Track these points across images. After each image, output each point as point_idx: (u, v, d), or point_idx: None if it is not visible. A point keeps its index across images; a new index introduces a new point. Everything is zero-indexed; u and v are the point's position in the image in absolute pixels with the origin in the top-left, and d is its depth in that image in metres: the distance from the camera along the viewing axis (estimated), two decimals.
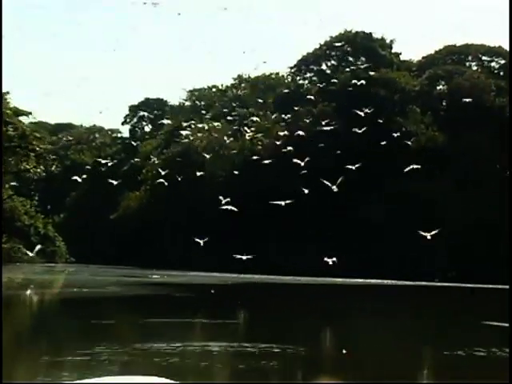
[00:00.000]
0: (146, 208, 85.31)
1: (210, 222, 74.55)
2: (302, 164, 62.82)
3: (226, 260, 71.71)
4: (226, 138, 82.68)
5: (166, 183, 64.71)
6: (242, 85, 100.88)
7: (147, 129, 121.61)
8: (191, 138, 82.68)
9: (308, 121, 75.78)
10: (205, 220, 76.11)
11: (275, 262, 65.72)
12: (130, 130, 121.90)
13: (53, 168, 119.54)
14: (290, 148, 65.71)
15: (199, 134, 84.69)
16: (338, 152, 69.51)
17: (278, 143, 73.31)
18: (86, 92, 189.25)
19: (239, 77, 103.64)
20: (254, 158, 73.10)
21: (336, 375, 15.42)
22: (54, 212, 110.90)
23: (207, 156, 72.51)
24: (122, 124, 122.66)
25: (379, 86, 78.72)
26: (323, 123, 68.42)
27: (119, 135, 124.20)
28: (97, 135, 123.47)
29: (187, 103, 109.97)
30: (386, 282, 56.27)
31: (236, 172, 72.98)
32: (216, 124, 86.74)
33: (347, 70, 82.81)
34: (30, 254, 75.07)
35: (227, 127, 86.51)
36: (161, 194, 79.72)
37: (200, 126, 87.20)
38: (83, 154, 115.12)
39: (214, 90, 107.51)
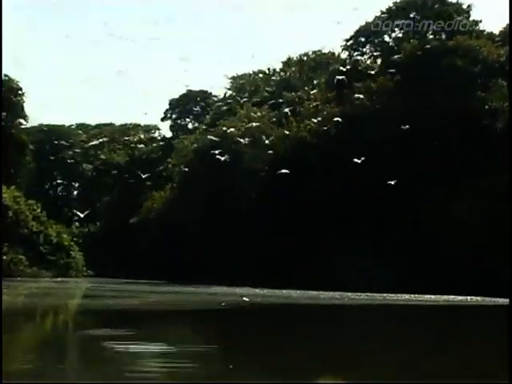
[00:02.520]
0: (170, 209, 71.95)
1: (246, 226, 61.43)
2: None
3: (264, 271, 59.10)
4: (269, 124, 69.42)
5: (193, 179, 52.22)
6: (293, 68, 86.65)
7: (190, 125, 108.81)
8: (227, 127, 68.92)
9: (365, 99, 61.61)
10: (241, 223, 62.81)
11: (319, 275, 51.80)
12: (171, 126, 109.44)
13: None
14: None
15: (237, 122, 71.20)
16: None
17: (328, 128, 59.79)
18: (123, 87, 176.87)
19: (289, 59, 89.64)
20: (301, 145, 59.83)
21: None
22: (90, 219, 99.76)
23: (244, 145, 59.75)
24: (162, 120, 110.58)
25: (455, 55, 64.00)
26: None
27: (157, 132, 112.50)
28: (132, 132, 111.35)
29: (230, 92, 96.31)
30: (469, 298, 40.97)
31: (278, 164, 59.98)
32: (258, 110, 73.14)
33: (413, 40, 68.10)
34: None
35: (272, 114, 72.90)
36: (188, 192, 66.50)
37: (241, 112, 73.95)
38: (116, 154, 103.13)
39: (260, 75, 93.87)
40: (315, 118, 63.41)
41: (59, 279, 61.28)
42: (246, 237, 62.45)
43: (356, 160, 52.09)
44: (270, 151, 64.87)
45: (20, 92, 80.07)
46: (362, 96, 61.47)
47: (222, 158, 62.45)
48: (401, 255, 51.47)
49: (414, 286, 43.48)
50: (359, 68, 69.96)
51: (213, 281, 56.09)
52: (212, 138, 66.19)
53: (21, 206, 67.41)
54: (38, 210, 71.04)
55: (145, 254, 75.86)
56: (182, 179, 72.85)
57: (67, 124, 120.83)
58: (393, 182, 51.06)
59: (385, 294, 40.99)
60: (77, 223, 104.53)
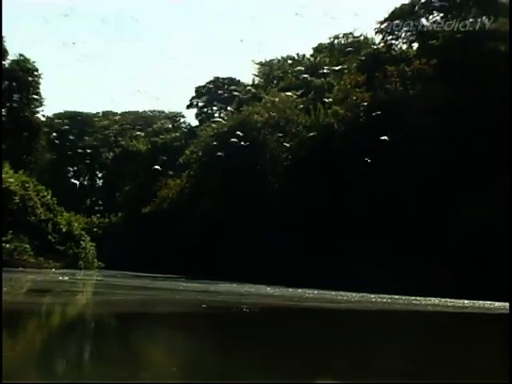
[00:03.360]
0: (185, 198, 67.30)
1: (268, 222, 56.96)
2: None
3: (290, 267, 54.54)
4: (295, 111, 64.87)
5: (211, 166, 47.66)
6: (322, 55, 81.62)
7: (217, 114, 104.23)
8: (250, 112, 64.34)
9: (399, 84, 56.62)
10: (261, 216, 58.25)
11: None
12: (197, 114, 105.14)
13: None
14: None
15: (260, 108, 66.60)
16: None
17: (357, 113, 55.06)
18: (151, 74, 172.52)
19: (320, 45, 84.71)
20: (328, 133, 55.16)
21: None
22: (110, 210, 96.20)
23: (268, 132, 55.08)
24: (188, 108, 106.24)
25: (497, 39, 58.78)
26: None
27: (182, 120, 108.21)
28: (156, 120, 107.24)
29: (258, 79, 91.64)
30: None
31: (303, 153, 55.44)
32: (284, 96, 68.46)
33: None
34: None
35: (298, 100, 68.22)
36: (205, 180, 61.93)
37: (266, 97, 69.37)
38: (138, 141, 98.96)
39: (289, 61, 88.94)
40: (344, 104, 58.66)
41: (64, 271, 57.08)
42: (264, 231, 57.93)
43: (384, 138, 47.47)
44: (295, 139, 60.34)
45: (36, 73, 76.22)
46: (395, 80, 56.60)
47: (243, 143, 58.02)
48: (425, 257, 46.52)
49: (440, 289, 38.65)
50: (393, 52, 65.05)
51: (229, 276, 51.53)
52: (232, 123, 61.59)
53: (29, 191, 63.19)
54: (48, 197, 66.69)
55: (157, 246, 71.54)
56: (199, 166, 68.56)
57: (93, 111, 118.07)
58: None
59: (406, 297, 36.16)
60: (98, 214, 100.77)
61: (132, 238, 78.82)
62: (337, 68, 68.94)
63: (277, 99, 67.48)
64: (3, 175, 60.17)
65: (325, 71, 72.25)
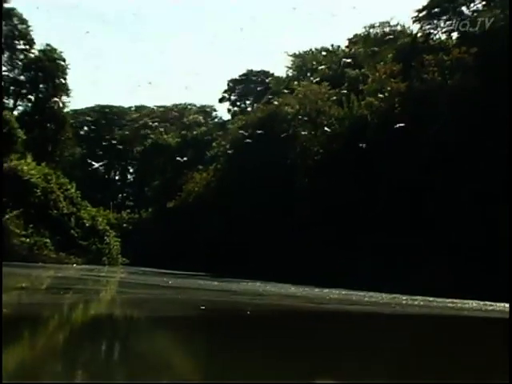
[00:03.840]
0: (211, 192, 64.64)
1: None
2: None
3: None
4: (328, 103, 62.05)
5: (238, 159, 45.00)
6: (357, 46, 78.50)
7: (250, 108, 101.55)
8: (280, 104, 61.59)
9: (437, 73, 53.43)
10: (290, 211, 55.59)
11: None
12: (229, 108, 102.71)
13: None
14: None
15: (291, 99, 63.83)
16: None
17: (392, 104, 52.13)
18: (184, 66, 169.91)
19: (355, 36, 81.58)
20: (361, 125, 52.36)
21: None
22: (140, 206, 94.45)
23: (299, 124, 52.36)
24: (220, 101, 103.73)
25: None
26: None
27: (214, 113, 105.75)
28: (186, 113, 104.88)
29: (291, 71, 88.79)
30: None
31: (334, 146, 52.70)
32: (316, 87, 65.61)
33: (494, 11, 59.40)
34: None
35: (331, 91, 65.30)
36: (232, 174, 59.32)
37: (298, 89, 66.55)
38: (168, 135, 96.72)
39: (323, 53, 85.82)
40: (378, 95, 55.68)
41: (85, 267, 54.95)
42: (293, 227, 55.22)
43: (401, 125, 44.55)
44: (327, 130, 57.50)
45: (62, 63, 74.28)
46: (432, 70, 53.47)
47: (272, 136, 55.30)
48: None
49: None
50: (431, 42, 61.88)
51: (256, 274, 48.83)
52: (261, 115, 58.86)
53: (51, 184, 61.18)
54: (72, 190, 64.77)
55: (182, 241, 69.13)
56: (226, 160, 65.99)
57: (126, 106, 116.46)
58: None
59: (442, 299, 33.23)
60: (128, 209, 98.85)
61: (159, 233, 76.53)
62: (372, 58, 65.83)
63: (309, 91, 64.60)
64: (25, 167, 58.37)
65: (359, 62, 69.29)
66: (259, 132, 57.46)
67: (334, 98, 63.79)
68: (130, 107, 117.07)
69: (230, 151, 64.35)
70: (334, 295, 32.25)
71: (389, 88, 55.20)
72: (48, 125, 73.15)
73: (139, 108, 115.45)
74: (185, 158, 71.26)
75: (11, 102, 72.79)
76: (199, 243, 65.75)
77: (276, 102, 64.04)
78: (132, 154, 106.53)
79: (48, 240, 56.98)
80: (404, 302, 31.27)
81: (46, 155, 67.67)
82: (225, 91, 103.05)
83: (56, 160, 72.17)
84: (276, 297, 28.46)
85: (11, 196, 54.40)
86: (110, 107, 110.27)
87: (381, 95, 55.42)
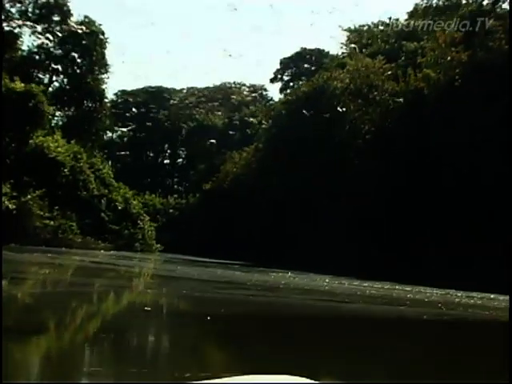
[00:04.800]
0: (250, 173, 59.40)
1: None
2: None
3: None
4: (382, 77, 56.38)
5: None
6: (415, 19, 71.89)
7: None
8: (328, 78, 56.04)
9: (503, 42, 47.25)
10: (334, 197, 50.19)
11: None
12: (281, 89, 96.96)
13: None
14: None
15: (341, 73, 58.20)
16: None
17: (452, 76, 46.24)
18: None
19: (415, 9, 75.08)
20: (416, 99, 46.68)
21: None
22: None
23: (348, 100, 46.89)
24: (271, 81, 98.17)
25: None
26: None
27: (264, 93, 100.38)
28: (235, 93, 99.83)
29: (346, 47, 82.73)
30: None
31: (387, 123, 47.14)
32: (370, 62, 59.87)
33: None
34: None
35: (387, 66, 59.44)
36: (274, 154, 54.14)
37: (350, 62, 60.98)
38: (213, 115, 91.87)
39: (380, 27, 79.49)
40: (436, 67, 49.75)
41: (114, 252, 50.57)
42: (339, 213, 49.86)
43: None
44: (379, 108, 51.92)
45: (101, 37, 69.78)
46: (499, 37, 47.35)
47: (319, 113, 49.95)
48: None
49: None
50: (497, 9, 55.50)
51: (299, 265, 43.63)
52: (306, 89, 53.45)
53: (81, 164, 56.91)
54: (104, 171, 60.67)
55: (221, 228, 64.38)
56: (268, 138, 60.74)
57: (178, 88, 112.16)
58: None
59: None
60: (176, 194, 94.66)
61: (200, 219, 71.91)
62: (432, 28, 59.71)
63: (361, 64, 58.91)
64: (51, 144, 54.19)
65: (418, 35, 63.26)
66: (304, 109, 52.03)
67: (389, 72, 58.03)
68: (182, 89, 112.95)
69: (273, 129, 59.16)
70: (373, 290, 26.91)
71: (449, 58, 49.17)
72: (85, 102, 68.94)
73: (190, 89, 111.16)
74: (213, 141, 66.25)
75: (47, 77, 68.87)
76: (238, 229, 60.91)
77: (323, 76, 58.36)
78: (182, 137, 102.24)
79: (73, 223, 52.75)
80: (456, 299, 25.87)
81: (81, 133, 63.67)
82: (277, 71, 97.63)
83: (92, 139, 68.09)
84: (292, 291, 23.29)
85: (35, 175, 50.33)
86: (159, 88, 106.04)
87: (439, 67, 49.48)
